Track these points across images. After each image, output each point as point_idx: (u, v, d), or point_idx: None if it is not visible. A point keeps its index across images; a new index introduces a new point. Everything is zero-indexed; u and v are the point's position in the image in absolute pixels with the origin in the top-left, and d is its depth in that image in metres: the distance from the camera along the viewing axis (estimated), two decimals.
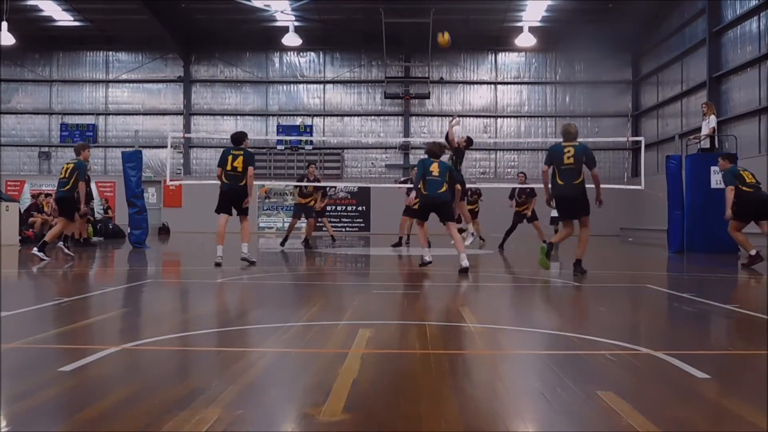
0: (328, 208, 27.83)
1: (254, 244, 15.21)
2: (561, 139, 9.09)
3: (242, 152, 9.94)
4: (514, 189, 16.52)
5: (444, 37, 13.02)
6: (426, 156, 9.81)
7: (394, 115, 28.94)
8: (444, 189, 9.43)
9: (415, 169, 11.22)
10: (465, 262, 8.90)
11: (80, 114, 29.35)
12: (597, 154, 32.06)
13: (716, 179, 14.22)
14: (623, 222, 26.79)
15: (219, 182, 10.02)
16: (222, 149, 10.89)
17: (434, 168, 9.46)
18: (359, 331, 4.41)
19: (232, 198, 9.91)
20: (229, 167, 9.83)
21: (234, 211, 10.02)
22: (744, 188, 10.73)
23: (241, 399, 2.82)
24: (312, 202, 15.11)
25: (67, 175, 11.51)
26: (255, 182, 10.86)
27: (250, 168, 9.85)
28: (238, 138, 10.23)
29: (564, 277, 8.74)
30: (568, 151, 8.92)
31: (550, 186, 9.00)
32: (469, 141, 11.86)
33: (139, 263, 11.19)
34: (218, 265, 9.47)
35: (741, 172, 10.97)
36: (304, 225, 15.87)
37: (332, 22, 27.14)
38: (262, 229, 27.64)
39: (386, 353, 3.92)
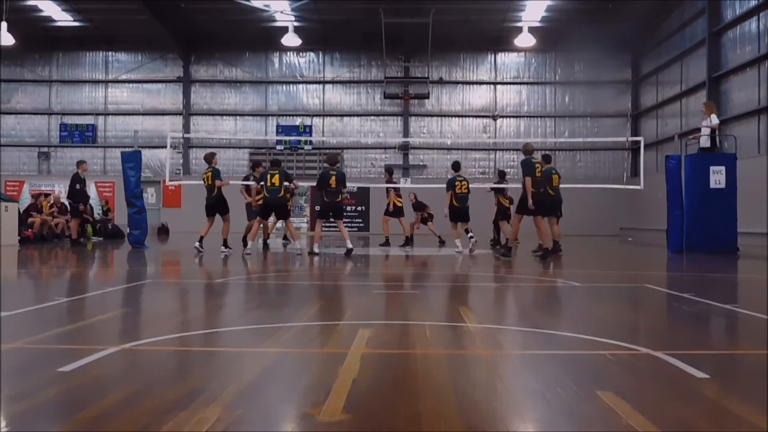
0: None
1: (254, 244, 15.19)
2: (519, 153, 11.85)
3: (278, 171, 12.75)
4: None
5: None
6: (326, 166, 12.91)
7: (393, 115, 28.94)
8: (340, 198, 12.74)
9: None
10: (350, 245, 12.62)
11: (80, 114, 29.33)
12: (597, 154, 32.14)
13: (716, 179, 14.23)
14: (623, 222, 26.80)
15: (250, 194, 13.76)
16: (221, 149, 11.81)
17: (332, 181, 12.50)
18: (359, 331, 4.41)
19: (273, 207, 12.94)
20: (268, 183, 12.65)
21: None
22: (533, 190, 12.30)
23: (241, 399, 2.82)
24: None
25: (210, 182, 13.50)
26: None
27: (286, 184, 12.84)
28: (277, 162, 13.38)
29: (564, 277, 8.75)
30: (538, 166, 11.81)
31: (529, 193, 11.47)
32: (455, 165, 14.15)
33: (139, 263, 11.19)
34: (248, 254, 12.48)
35: (552, 174, 13.06)
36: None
37: (332, 22, 27.13)
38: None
39: (386, 353, 3.92)
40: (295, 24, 26.25)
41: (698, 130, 15.19)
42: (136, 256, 12.69)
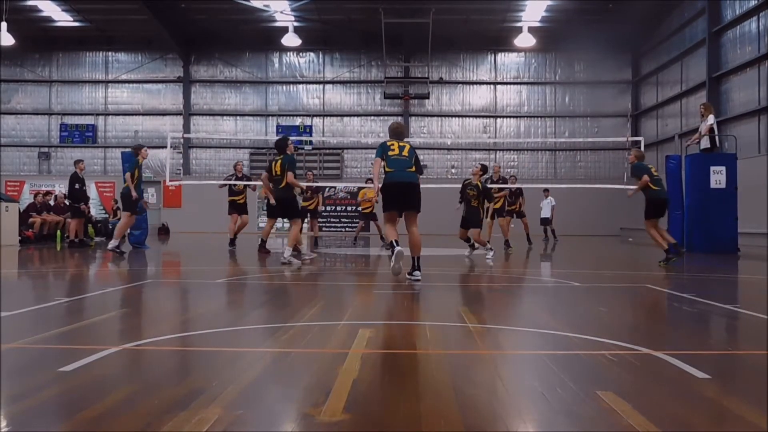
0: (328, 207, 27.95)
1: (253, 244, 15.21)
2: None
3: (282, 158, 10.51)
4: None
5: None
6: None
7: (393, 115, 28.93)
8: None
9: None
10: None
11: (80, 114, 29.36)
12: (597, 154, 32.09)
13: (716, 179, 14.23)
14: (623, 222, 26.78)
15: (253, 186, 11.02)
16: (221, 149, 11.21)
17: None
18: (359, 331, 4.41)
19: (278, 203, 10.68)
20: (273, 173, 10.51)
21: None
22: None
23: (241, 399, 2.82)
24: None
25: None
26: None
27: (289, 173, 10.25)
28: (281, 143, 10.78)
29: (564, 277, 8.75)
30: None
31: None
32: (484, 169, 12.24)
33: (139, 263, 11.19)
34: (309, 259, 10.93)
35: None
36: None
37: (332, 22, 27.15)
38: (262, 230, 27.62)
39: (386, 353, 3.92)
40: (295, 24, 26.27)
41: (696, 130, 15.17)
42: (137, 256, 12.68)
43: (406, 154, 7.98)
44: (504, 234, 15.67)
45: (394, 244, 7.52)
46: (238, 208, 14.91)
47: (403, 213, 7.94)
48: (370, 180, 17.89)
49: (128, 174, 12.40)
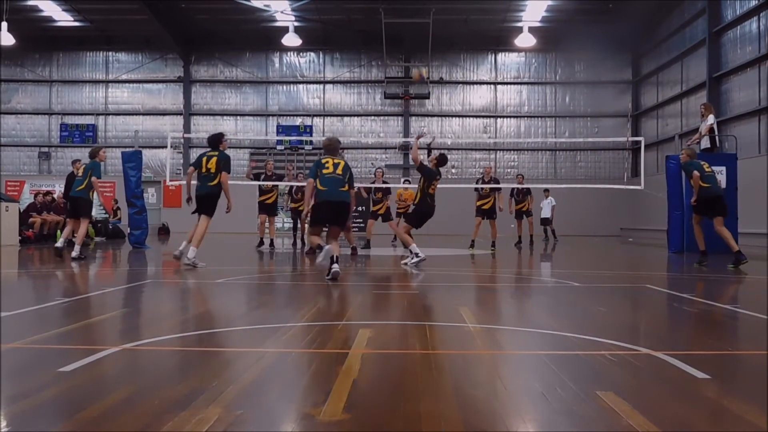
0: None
1: (253, 244, 15.22)
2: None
3: (217, 154, 9.70)
4: (512, 189, 17.54)
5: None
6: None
7: (393, 115, 28.95)
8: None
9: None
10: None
11: (80, 114, 29.37)
12: (597, 154, 32.05)
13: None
14: (623, 222, 26.80)
15: (196, 184, 9.79)
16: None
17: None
18: (359, 331, 4.41)
19: (203, 200, 9.68)
20: (203, 169, 9.62)
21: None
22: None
23: (241, 399, 2.82)
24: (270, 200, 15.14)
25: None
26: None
27: (224, 173, 9.55)
28: (215, 139, 9.99)
29: (564, 277, 8.75)
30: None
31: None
32: (441, 159, 11.09)
33: (139, 263, 11.19)
34: (177, 258, 9.90)
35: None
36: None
37: (332, 22, 27.15)
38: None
39: (386, 353, 3.92)
40: (295, 24, 26.28)
41: (696, 130, 15.16)
42: (137, 256, 12.69)
43: (340, 172, 8.11)
44: (492, 235, 15.33)
45: (322, 246, 7.89)
46: (267, 208, 15.00)
47: (330, 226, 8.30)
48: (407, 180, 18.11)
49: (95, 179, 11.48)
